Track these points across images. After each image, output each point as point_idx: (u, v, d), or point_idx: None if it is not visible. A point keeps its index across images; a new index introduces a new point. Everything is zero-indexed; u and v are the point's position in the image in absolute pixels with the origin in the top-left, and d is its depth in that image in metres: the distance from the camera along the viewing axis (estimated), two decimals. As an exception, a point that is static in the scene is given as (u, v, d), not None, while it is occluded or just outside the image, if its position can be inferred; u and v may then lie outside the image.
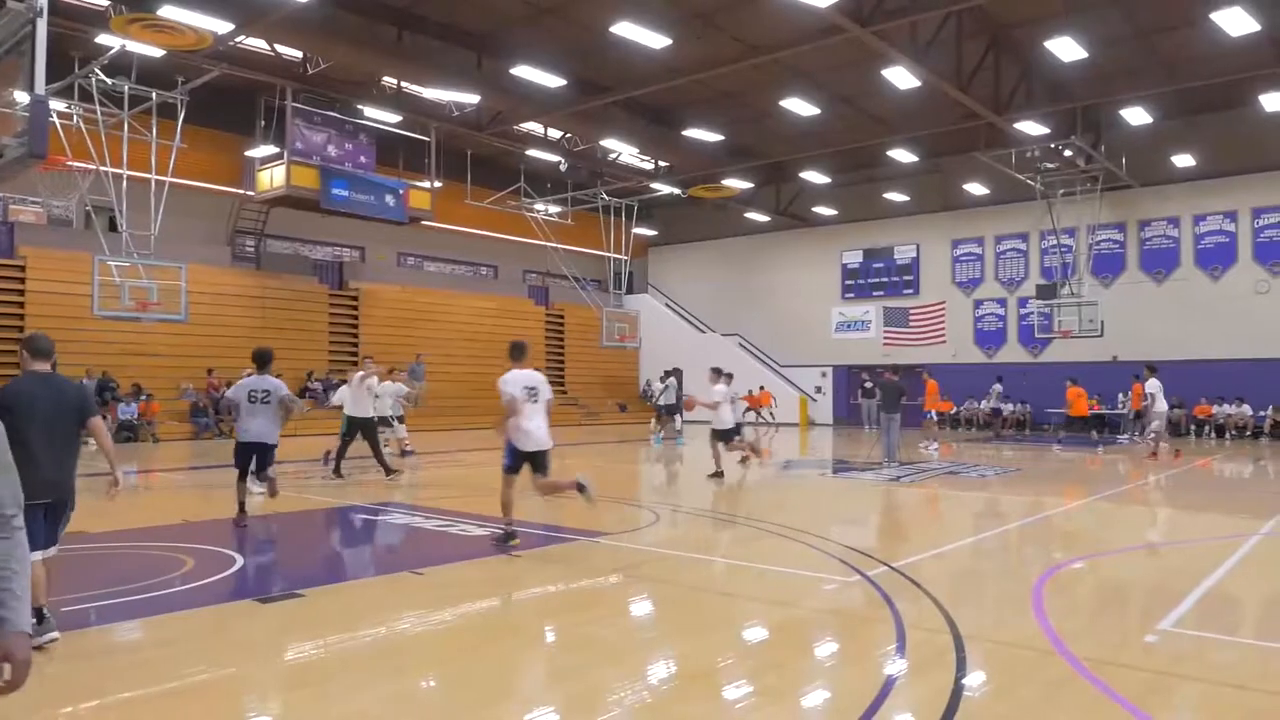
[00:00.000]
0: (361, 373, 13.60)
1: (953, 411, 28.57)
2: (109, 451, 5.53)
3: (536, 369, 9.48)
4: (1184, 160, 25.50)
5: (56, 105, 16.31)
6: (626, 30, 17.06)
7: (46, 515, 5.04)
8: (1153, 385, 18.12)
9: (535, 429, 8.00)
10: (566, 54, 20.21)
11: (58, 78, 14.40)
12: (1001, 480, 14.42)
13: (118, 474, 5.60)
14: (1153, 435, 18.56)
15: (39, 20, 6.71)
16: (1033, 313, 27.10)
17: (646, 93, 22.01)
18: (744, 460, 15.54)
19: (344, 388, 14.21)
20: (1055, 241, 26.13)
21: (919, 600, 6.14)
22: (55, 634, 5.09)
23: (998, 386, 26.04)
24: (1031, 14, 18.70)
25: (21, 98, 7.29)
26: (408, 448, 16.87)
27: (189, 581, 6.81)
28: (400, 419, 16.56)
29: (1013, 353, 29.24)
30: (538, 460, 8.08)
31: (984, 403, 26.95)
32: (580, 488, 7.96)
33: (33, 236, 22.76)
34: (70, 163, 17.30)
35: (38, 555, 4.87)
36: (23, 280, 21.77)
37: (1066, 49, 17.76)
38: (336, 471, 13.48)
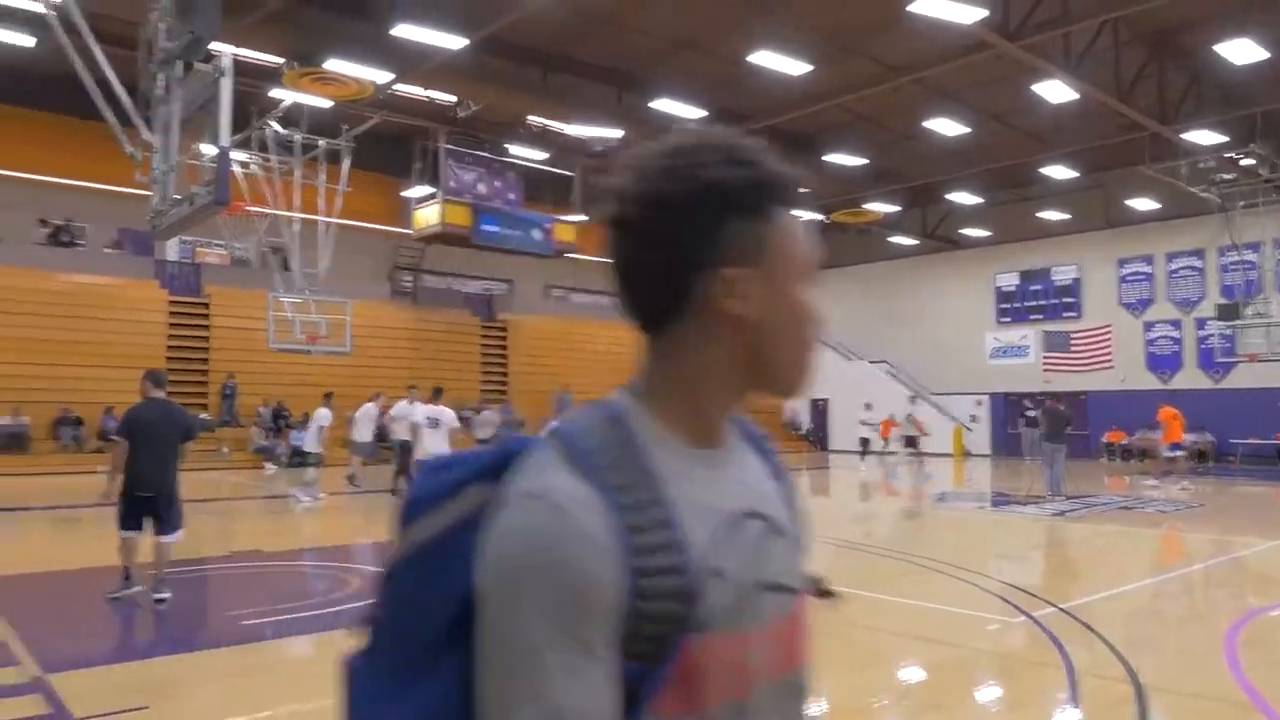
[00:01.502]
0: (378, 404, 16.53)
1: (1123, 442, 26.69)
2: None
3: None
4: (1387, 164, 23.12)
5: (237, 156, 17.72)
6: (765, 59, 17.02)
7: (154, 505, 6.58)
8: None
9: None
10: (705, 85, 20.36)
11: (237, 131, 15.58)
12: (1181, 516, 13.33)
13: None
14: None
15: (223, 80, 7.34)
16: (1213, 334, 25.02)
17: (785, 120, 21.89)
18: None
19: (363, 417, 16.80)
20: (1236, 257, 24.16)
21: (1092, 644, 5.71)
22: (167, 594, 6.58)
23: None
24: (1197, 16, 17.45)
25: (208, 150, 7.99)
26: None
27: (355, 600, 7.14)
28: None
29: (1191, 378, 27.05)
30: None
31: None
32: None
33: (217, 276, 24.80)
34: (249, 208, 18.75)
35: (165, 537, 6.65)
36: (207, 316, 23.75)
37: (1241, 51, 16.46)
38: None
